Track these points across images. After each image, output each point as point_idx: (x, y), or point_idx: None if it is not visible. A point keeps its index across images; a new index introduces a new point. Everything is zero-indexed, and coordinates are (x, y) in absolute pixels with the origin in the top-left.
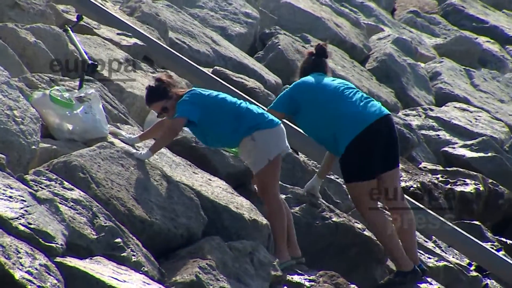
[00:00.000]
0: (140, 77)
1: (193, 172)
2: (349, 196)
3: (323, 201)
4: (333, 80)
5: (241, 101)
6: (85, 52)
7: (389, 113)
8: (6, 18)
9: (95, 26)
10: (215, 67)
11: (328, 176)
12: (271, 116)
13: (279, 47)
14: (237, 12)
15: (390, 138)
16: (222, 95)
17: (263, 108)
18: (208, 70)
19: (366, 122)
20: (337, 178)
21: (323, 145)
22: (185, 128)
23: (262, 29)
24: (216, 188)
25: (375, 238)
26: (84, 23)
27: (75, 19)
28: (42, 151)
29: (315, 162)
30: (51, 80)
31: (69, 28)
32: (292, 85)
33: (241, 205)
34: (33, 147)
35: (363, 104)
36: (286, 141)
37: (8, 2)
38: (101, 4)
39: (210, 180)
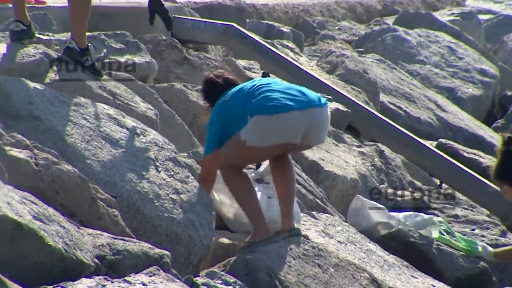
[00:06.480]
0: (343, 152)
1: (411, 276)
2: None
3: None
4: None
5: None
6: None
7: None
8: (173, 77)
9: None
10: (440, 139)
11: None
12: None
13: None
14: (470, 68)
15: None
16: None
17: None
18: (431, 144)
19: None
20: None
21: None
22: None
23: (503, 90)
24: None
25: None
26: None
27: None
28: (216, 247)
29: None
30: None
31: None
32: None
33: None
34: (206, 241)
35: None
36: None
37: (175, 56)
38: (294, 59)
39: (434, 286)
